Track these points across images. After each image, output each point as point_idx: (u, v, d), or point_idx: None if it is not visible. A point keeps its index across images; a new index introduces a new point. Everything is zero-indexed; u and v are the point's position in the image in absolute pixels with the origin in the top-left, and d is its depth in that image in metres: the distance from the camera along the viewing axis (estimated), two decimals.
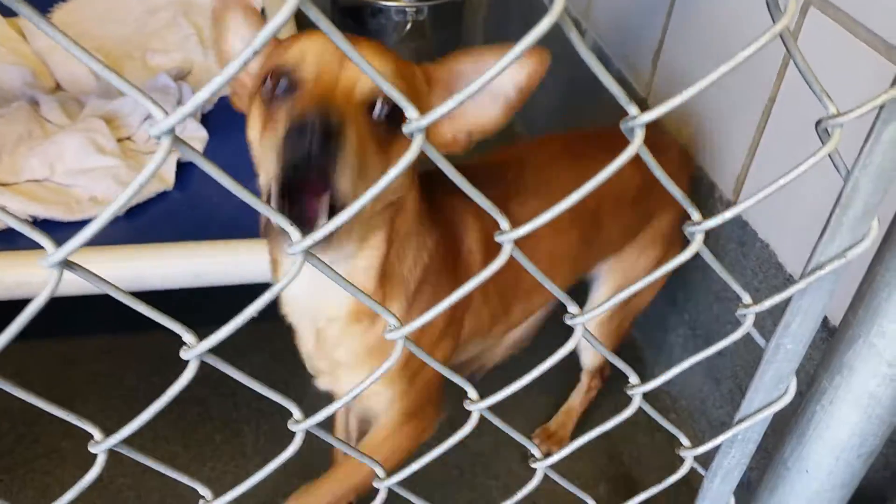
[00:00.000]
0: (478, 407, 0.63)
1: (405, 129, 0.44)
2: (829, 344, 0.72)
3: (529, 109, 2.58)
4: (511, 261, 1.41)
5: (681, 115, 1.75)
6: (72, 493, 0.51)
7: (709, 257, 0.59)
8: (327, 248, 0.85)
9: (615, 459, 1.70)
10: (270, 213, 0.46)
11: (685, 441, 0.77)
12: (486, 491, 1.62)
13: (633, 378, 0.67)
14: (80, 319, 1.83)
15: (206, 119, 2.00)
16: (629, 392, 0.68)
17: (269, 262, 1.06)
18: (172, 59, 2.26)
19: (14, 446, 1.60)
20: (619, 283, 1.49)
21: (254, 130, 0.88)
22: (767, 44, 0.47)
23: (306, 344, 1.09)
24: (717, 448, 0.77)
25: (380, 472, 0.64)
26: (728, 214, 0.55)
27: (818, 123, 0.54)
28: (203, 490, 0.56)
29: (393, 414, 1.16)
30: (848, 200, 0.58)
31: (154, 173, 0.42)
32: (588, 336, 0.64)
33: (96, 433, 0.51)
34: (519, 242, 1.40)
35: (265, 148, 0.80)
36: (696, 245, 0.56)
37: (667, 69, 1.86)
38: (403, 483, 0.66)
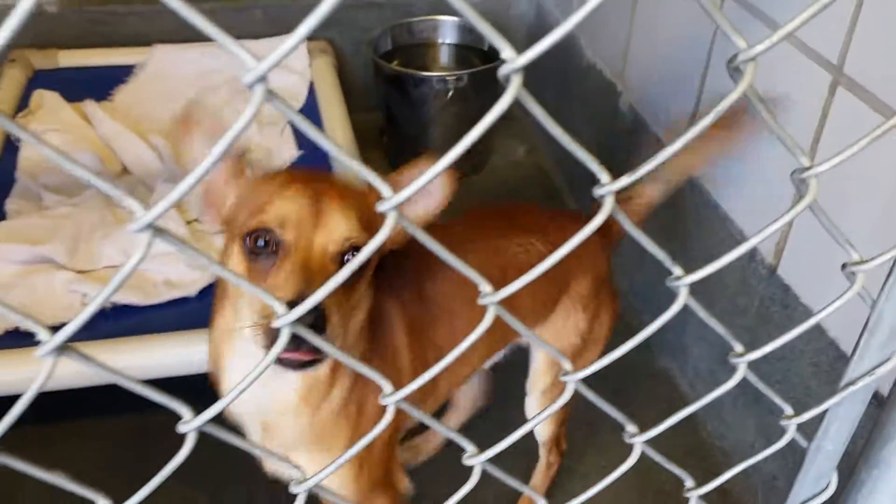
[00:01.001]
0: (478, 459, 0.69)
1: None
2: (869, 436, 0.79)
3: (570, 166, 2.66)
4: (437, 340, 1.46)
5: (722, 176, 1.82)
6: None
7: (698, 309, 0.62)
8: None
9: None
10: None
11: None
12: None
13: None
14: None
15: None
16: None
17: (210, 353, 1.18)
18: None
19: None
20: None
21: (235, 266, 1.00)
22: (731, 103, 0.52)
23: (253, 436, 1.17)
24: None
25: None
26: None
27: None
28: None
29: (354, 495, 1.26)
30: (874, 327, 0.65)
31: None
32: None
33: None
34: (440, 325, 1.45)
35: (250, 294, 0.95)
36: (683, 298, 0.59)
37: None
38: None
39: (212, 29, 0.39)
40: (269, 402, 1.11)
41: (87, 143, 2.33)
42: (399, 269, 1.36)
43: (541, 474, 1.79)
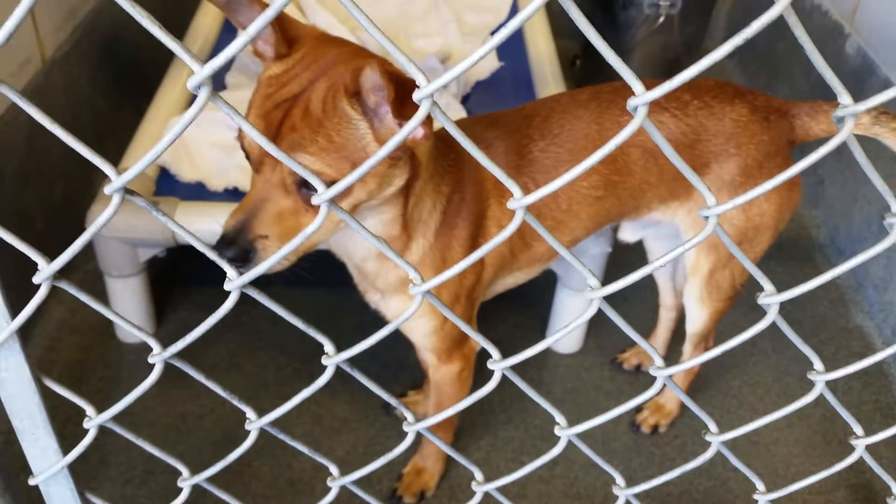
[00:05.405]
0: (663, 373, 0.68)
1: None
2: None
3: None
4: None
5: None
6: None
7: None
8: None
9: (856, 468, 1.68)
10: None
11: None
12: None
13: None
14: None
15: (466, 100, 2.15)
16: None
17: None
18: (434, 43, 2.41)
19: (293, 378, 1.84)
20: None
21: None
22: None
23: (354, 276, 1.34)
24: None
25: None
26: None
27: None
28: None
29: (433, 346, 1.37)
30: None
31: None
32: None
33: (329, 347, 0.75)
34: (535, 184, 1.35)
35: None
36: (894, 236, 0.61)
37: None
38: None
39: None
40: (354, 250, 1.24)
41: None
42: (509, 127, 1.35)
43: (682, 370, 1.70)
